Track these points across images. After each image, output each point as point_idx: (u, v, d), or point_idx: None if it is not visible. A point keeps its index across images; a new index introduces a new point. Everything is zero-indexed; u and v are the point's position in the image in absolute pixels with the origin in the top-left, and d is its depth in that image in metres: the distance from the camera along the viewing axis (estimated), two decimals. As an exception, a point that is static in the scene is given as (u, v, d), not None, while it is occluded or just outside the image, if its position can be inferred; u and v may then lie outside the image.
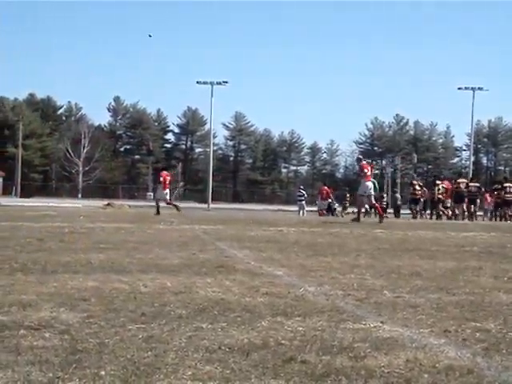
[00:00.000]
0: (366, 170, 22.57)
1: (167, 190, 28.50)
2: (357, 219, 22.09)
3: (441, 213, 33.54)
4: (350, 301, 6.23)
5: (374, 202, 22.70)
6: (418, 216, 35.00)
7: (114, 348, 4.17)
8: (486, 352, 4.33)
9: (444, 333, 4.88)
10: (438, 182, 35.34)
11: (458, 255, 11.21)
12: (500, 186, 34.80)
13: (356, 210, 30.42)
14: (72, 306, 5.54)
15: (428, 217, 34.93)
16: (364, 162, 23.48)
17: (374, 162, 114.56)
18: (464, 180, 34.67)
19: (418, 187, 35.52)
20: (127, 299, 5.93)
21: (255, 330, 4.79)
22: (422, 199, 35.67)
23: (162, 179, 28.41)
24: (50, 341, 4.33)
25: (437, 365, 3.96)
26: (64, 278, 7.16)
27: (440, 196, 33.61)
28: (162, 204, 28.58)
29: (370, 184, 22.20)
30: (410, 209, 36.02)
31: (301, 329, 4.88)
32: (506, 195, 33.36)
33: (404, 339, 4.63)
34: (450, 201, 33.79)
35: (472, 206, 33.29)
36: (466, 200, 32.91)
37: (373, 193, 22.41)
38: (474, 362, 4.07)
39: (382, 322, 5.18)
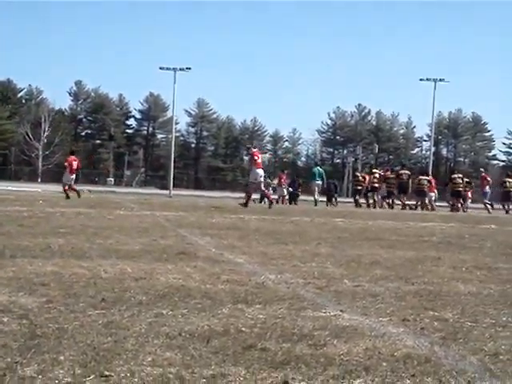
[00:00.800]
0: (255, 158, 23.20)
1: (73, 175, 28.39)
2: (245, 204, 22.55)
3: (360, 200, 34.43)
4: (311, 289, 6.26)
5: (263, 188, 23.32)
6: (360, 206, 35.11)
7: (73, 333, 4.15)
8: (443, 341, 4.38)
9: (403, 322, 4.94)
10: (374, 170, 36.40)
11: (417, 245, 11.33)
12: (448, 178, 35.78)
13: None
14: (31, 290, 5.50)
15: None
16: (254, 150, 23.86)
17: (336, 151, 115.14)
18: (407, 171, 35.13)
19: (360, 177, 35.74)
20: (87, 285, 5.90)
21: (216, 317, 4.80)
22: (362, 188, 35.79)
23: (66, 164, 28.58)
24: (9, 325, 4.29)
25: (395, 353, 4.00)
26: (23, 262, 7.09)
27: (374, 184, 34.09)
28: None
29: (260, 171, 23.04)
30: (354, 199, 36.15)
31: (261, 316, 4.89)
32: (455, 186, 34.14)
33: (363, 328, 4.67)
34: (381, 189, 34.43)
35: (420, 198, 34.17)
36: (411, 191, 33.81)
37: (262, 180, 23.25)
38: (431, 350, 4.12)
39: (341, 311, 5.22)
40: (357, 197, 35.57)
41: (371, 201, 34.10)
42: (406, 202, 34.03)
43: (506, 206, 34.07)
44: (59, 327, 4.28)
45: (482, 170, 41.02)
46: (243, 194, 31.39)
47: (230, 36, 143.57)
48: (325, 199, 37.21)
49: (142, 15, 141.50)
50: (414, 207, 34.11)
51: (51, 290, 5.56)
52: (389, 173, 34.79)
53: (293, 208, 28.36)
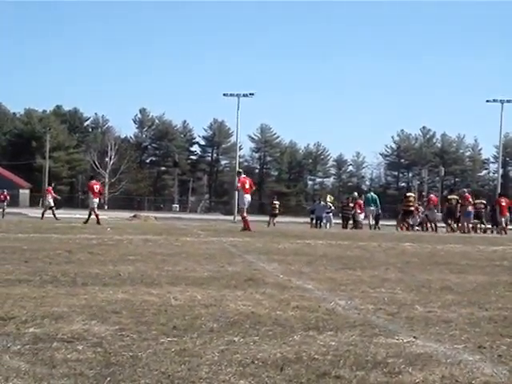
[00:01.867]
0: (245, 184, 23.87)
1: (96, 199, 28.75)
2: (247, 228, 22.55)
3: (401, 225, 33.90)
4: (382, 315, 6.20)
5: (244, 214, 23.54)
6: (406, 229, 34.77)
7: (147, 361, 4.18)
8: (522, 368, 4.28)
9: (478, 349, 4.84)
10: (408, 194, 36.06)
11: (488, 269, 11.12)
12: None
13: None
14: (103, 318, 5.57)
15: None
16: (242, 176, 24.44)
17: (401, 175, 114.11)
18: (455, 196, 34.45)
19: (411, 199, 35.39)
20: (158, 312, 5.94)
21: (288, 344, 4.78)
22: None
23: (87, 188, 29.29)
24: (84, 353, 4.35)
25: (473, 381, 3.93)
26: (94, 290, 7.19)
27: (408, 208, 33.75)
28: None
29: (248, 197, 23.78)
30: (403, 220, 35.80)
31: (333, 343, 4.86)
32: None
33: (438, 355, 4.60)
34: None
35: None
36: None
37: (247, 206, 23.85)
38: (511, 378, 4.03)
39: (414, 337, 5.16)
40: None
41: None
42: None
43: None
44: (133, 355, 4.32)
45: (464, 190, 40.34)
46: (306, 219, 31.42)
47: (292, 61, 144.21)
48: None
49: (205, 41, 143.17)
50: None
51: (123, 317, 5.62)
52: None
53: (359, 233, 28.14)
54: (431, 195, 37.46)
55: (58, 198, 33.76)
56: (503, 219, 33.25)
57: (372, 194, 36.76)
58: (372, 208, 35.08)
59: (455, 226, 32.84)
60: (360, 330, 5.35)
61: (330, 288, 8.04)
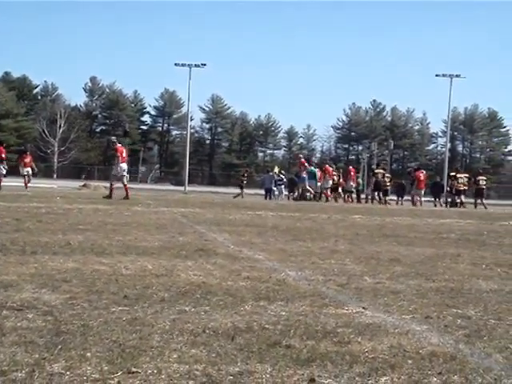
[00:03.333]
0: (119, 153, 23.84)
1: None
2: (109, 196, 22.68)
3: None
4: (332, 286, 6.26)
5: (126, 182, 23.69)
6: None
7: (98, 330, 4.16)
8: (468, 338, 4.37)
9: (426, 319, 4.93)
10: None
11: (435, 242, 11.31)
12: (454, 176, 36.78)
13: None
14: (54, 287, 5.53)
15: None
16: (119, 145, 24.38)
17: (351, 148, 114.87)
18: (381, 170, 36.58)
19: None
20: (109, 281, 5.92)
21: (239, 314, 4.81)
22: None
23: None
24: (34, 322, 4.31)
25: (420, 351, 4.00)
26: (44, 258, 7.13)
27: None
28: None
29: (124, 166, 23.81)
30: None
31: (284, 313, 4.90)
32: (459, 185, 35.58)
33: (387, 325, 4.67)
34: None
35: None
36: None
37: (126, 174, 23.93)
38: (456, 348, 4.12)
39: (363, 308, 5.22)
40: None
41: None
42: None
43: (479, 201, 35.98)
44: (84, 324, 4.30)
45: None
46: (257, 190, 31.56)
47: (244, 33, 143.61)
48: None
49: (157, 11, 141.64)
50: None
51: (73, 286, 5.59)
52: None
53: (310, 204, 28.30)
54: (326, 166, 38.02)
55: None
56: (423, 192, 34.56)
57: (312, 168, 37.06)
58: (312, 181, 35.43)
59: (384, 198, 34.13)
60: (310, 301, 5.40)
61: (280, 259, 8.09)
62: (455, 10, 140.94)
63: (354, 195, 36.32)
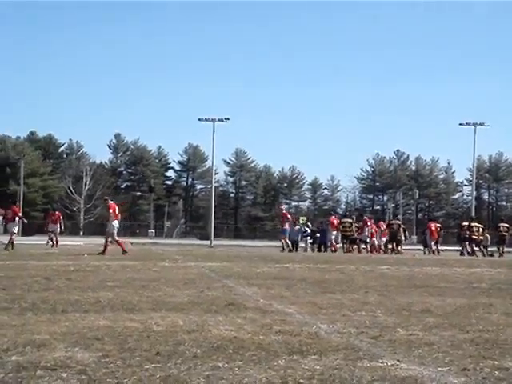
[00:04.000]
0: (112, 210, 24.33)
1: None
2: (103, 253, 22.43)
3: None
4: (364, 338, 6.20)
5: (116, 238, 24.03)
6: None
7: (132, 388, 4.15)
8: (507, 390, 4.30)
9: (463, 371, 4.86)
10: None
11: (466, 292, 11.19)
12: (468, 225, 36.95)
13: None
14: (86, 345, 5.52)
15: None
16: (111, 203, 24.89)
17: (376, 198, 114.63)
18: (397, 221, 37.67)
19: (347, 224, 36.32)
20: (140, 338, 5.91)
21: (272, 369, 4.77)
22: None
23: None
24: (68, 381, 4.31)
25: (460, 404, 3.94)
26: (75, 317, 7.14)
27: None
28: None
29: (116, 223, 24.38)
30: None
31: (318, 367, 4.86)
32: (474, 234, 35.93)
33: (423, 378, 4.61)
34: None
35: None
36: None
37: (115, 231, 24.31)
38: (496, 400, 4.05)
39: (398, 361, 5.16)
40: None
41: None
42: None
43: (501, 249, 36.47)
44: (118, 382, 4.30)
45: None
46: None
47: (266, 86, 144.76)
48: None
49: (180, 67, 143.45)
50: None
51: (106, 344, 5.58)
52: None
53: (337, 256, 28.19)
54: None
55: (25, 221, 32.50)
56: (433, 242, 34.75)
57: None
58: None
59: (397, 248, 34.42)
60: (344, 354, 5.35)
61: (311, 312, 8.04)
62: (478, 59, 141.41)
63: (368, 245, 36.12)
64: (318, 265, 18.09)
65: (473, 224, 37.12)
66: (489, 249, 40.19)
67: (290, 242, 32.68)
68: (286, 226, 32.72)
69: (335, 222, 36.21)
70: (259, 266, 16.63)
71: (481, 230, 37.09)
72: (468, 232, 35.89)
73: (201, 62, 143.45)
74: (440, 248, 36.46)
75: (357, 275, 14.61)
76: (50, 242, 31.17)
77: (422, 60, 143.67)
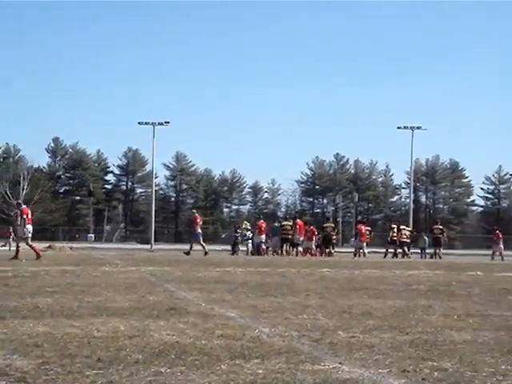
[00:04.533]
0: (25, 216, 24.14)
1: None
2: (15, 257, 22.49)
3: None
4: (306, 341, 6.24)
5: (30, 243, 23.90)
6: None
7: (74, 395, 4.10)
8: (446, 391, 4.37)
9: (403, 373, 4.93)
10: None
11: (405, 294, 11.34)
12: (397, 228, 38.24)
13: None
14: (25, 352, 5.44)
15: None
16: (24, 207, 24.99)
17: (316, 201, 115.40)
18: (331, 224, 39.25)
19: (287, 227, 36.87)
20: (81, 344, 5.85)
21: (215, 374, 4.77)
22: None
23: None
24: (7, 389, 4.24)
25: (400, 405, 3.99)
26: (13, 323, 7.02)
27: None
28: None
29: (29, 227, 24.02)
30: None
31: (261, 371, 4.87)
32: (403, 237, 37.28)
33: (364, 380, 4.66)
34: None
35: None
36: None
37: (30, 235, 23.97)
38: (436, 401, 4.11)
39: (340, 363, 5.21)
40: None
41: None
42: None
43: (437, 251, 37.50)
44: (59, 389, 4.24)
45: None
46: (224, 246, 31.54)
47: (206, 88, 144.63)
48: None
49: (118, 69, 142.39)
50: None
51: (45, 351, 5.51)
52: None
53: (277, 259, 28.30)
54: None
55: None
56: (364, 244, 35.23)
57: (276, 224, 38.75)
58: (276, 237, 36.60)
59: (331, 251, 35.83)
60: (286, 357, 5.38)
61: (252, 315, 8.06)
62: (415, 62, 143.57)
63: (300, 248, 36.36)
64: (259, 268, 18.13)
65: (402, 227, 38.52)
66: (427, 251, 41.00)
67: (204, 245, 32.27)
68: (198, 229, 32.60)
69: (263, 226, 36.68)
70: (200, 270, 16.60)
71: (408, 232, 38.31)
72: (395, 235, 36.87)
73: (139, 64, 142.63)
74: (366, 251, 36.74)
75: (298, 278, 14.69)
76: None
77: (359, 62, 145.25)
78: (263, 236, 36.47)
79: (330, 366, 5.08)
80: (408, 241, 37.68)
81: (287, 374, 4.78)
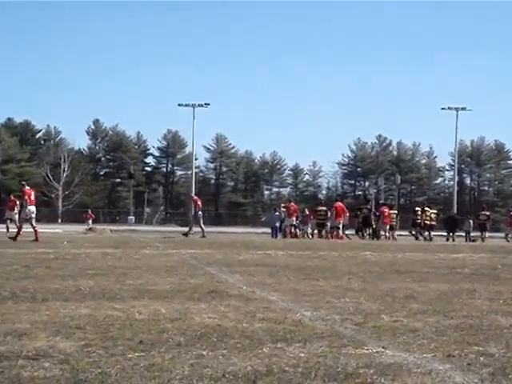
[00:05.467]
0: (26, 197, 24.26)
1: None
2: (14, 238, 22.86)
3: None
4: (349, 325, 6.23)
5: (34, 225, 23.77)
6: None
7: (116, 377, 4.15)
8: (493, 377, 4.34)
9: (448, 357, 4.89)
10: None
11: (450, 277, 11.27)
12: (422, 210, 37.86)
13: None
14: (68, 334, 5.51)
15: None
16: (27, 188, 24.86)
17: (357, 183, 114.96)
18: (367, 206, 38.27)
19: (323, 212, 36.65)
20: (123, 327, 5.90)
21: (257, 357, 4.78)
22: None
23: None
24: (51, 371, 4.29)
25: (445, 390, 3.97)
26: (55, 305, 7.11)
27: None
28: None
29: (32, 208, 24.05)
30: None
31: (303, 355, 4.87)
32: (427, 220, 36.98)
33: (408, 364, 4.63)
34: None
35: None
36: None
37: (34, 216, 24.02)
38: (482, 387, 4.08)
39: (383, 347, 5.19)
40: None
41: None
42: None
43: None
44: (101, 371, 4.28)
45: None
46: (265, 229, 31.59)
47: (247, 70, 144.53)
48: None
49: (158, 52, 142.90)
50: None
51: (88, 333, 5.57)
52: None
53: (318, 242, 28.27)
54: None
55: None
56: (386, 227, 34.77)
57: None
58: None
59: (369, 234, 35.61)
60: (328, 341, 5.37)
61: (294, 299, 8.07)
62: (460, 43, 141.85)
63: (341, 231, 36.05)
64: (300, 251, 18.14)
65: (426, 209, 38.04)
66: (471, 234, 40.68)
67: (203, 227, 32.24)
68: (200, 211, 32.70)
69: (292, 208, 37.12)
70: (241, 253, 16.66)
71: (433, 215, 37.86)
72: (419, 218, 36.68)
73: (180, 47, 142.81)
74: (395, 234, 36.54)
75: (339, 262, 14.67)
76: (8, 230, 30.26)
77: (402, 40, 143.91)
78: (293, 219, 36.56)
79: (374, 350, 5.06)
80: (433, 223, 37.35)
81: (330, 358, 4.78)
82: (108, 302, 7.46)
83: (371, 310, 7.17)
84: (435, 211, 39.31)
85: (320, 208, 36.89)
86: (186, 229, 34.35)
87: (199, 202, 33.34)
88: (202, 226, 31.74)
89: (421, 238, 35.78)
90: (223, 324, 6.11)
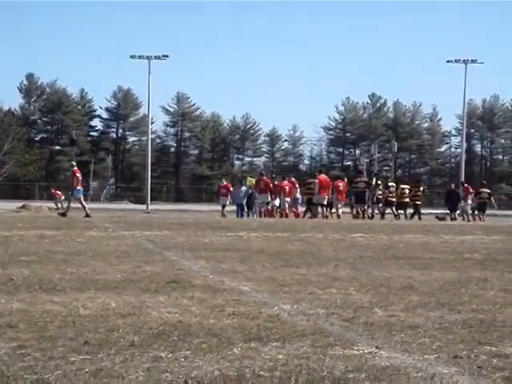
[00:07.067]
0: None
1: None
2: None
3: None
4: (336, 321, 6.27)
5: None
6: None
7: (56, 386, 4.15)
8: (507, 382, 4.39)
9: (454, 359, 4.94)
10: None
11: (456, 264, 11.37)
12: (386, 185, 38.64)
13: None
14: (-3, 333, 5.50)
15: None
16: None
17: (346, 152, 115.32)
18: (364, 179, 38.14)
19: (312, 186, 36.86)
20: (64, 324, 5.90)
21: (226, 359, 4.80)
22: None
23: None
24: (-23, 378, 4.29)
25: (451, 398, 4.01)
26: (-18, 299, 7.10)
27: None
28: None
29: None
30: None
31: (281, 357, 4.90)
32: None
33: (407, 368, 4.67)
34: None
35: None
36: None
37: None
38: (494, 394, 4.13)
39: (377, 347, 5.23)
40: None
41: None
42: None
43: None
44: (38, 378, 4.29)
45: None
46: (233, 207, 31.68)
47: (214, 16, 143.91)
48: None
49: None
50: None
51: (21, 332, 5.56)
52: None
53: (302, 222, 28.38)
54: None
55: None
56: (340, 204, 35.73)
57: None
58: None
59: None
60: (312, 340, 5.41)
61: (270, 290, 8.11)
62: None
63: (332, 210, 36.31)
64: (277, 233, 18.20)
65: (389, 184, 38.82)
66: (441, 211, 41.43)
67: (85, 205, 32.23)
68: (78, 185, 32.59)
69: (262, 183, 37.12)
70: (207, 235, 16.69)
71: (407, 191, 38.43)
72: (390, 194, 37.30)
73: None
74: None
75: (325, 245, 14.75)
76: None
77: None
78: (267, 195, 36.49)
79: (365, 351, 5.10)
80: (405, 200, 37.93)
81: (313, 360, 4.81)
82: (46, 294, 7.45)
83: (362, 303, 7.23)
84: (407, 186, 40.01)
85: (310, 180, 36.90)
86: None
87: (78, 174, 33.12)
88: (83, 202, 31.75)
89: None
90: (186, 320, 6.13)
